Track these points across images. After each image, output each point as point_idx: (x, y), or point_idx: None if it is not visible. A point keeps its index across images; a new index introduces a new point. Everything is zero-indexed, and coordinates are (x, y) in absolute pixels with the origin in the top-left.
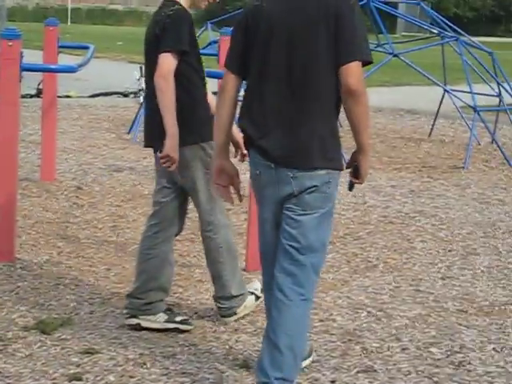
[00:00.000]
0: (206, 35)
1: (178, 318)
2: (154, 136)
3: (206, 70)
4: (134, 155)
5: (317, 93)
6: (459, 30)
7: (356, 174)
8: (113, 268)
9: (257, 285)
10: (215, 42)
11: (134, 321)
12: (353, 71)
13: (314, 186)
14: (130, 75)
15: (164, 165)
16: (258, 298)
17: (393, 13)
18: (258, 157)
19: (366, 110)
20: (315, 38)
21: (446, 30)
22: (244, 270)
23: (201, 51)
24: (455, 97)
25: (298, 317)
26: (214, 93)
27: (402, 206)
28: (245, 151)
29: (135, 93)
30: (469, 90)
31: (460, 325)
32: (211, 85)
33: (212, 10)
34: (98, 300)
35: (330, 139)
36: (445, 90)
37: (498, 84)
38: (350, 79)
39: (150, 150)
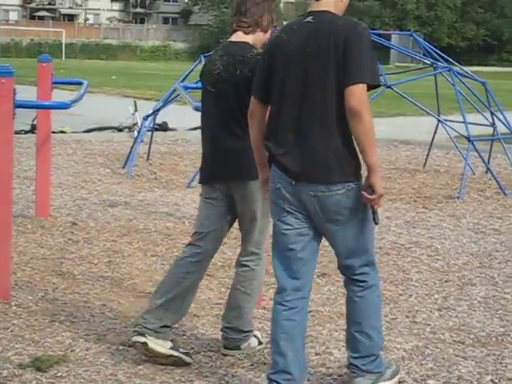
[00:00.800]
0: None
1: (182, 350)
2: (242, 169)
3: (199, 103)
4: (129, 190)
5: (330, 113)
6: (452, 60)
7: (371, 194)
8: (108, 304)
9: (257, 333)
10: None
11: (142, 339)
12: (355, 93)
13: (335, 202)
14: (125, 109)
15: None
16: (260, 343)
17: (386, 44)
18: (279, 172)
19: (368, 128)
20: (326, 64)
21: (438, 61)
22: None
23: (194, 85)
24: (449, 127)
25: (361, 305)
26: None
27: (398, 236)
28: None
29: (129, 127)
30: (462, 119)
31: (457, 356)
32: (198, 119)
33: (206, 43)
34: (94, 336)
35: (346, 155)
36: (438, 121)
37: (492, 113)
38: (351, 100)
39: (146, 185)
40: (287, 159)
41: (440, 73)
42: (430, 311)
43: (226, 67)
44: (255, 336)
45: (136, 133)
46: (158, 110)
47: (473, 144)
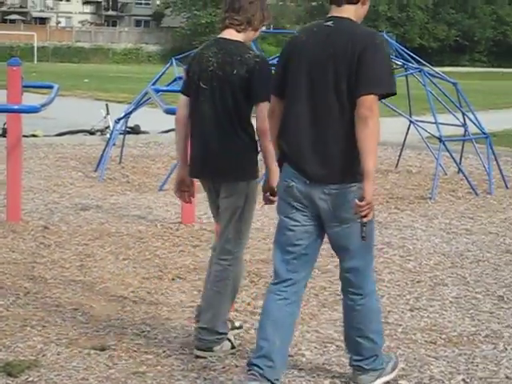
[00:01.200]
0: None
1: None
2: (238, 170)
3: (169, 106)
4: (101, 193)
5: (343, 115)
6: (423, 60)
7: (360, 199)
8: (80, 308)
9: (230, 336)
10: (180, 78)
11: (203, 354)
12: (365, 103)
13: (348, 202)
14: (97, 113)
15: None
16: (233, 347)
17: None
18: (293, 170)
19: (371, 136)
20: (341, 70)
21: (409, 62)
22: None
23: (166, 88)
24: (420, 127)
25: (362, 312)
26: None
27: None
28: (273, 198)
29: (101, 130)
30: (434, 120)
31: (429, 356)
32: (173, 121)
33: (179, 45)
34: (65, 341)
35: (357, 156)
36: (410, 121)
37: (463, 114)
38: (361, 108)
39: (118, 188)
40: (303, 159)
41: (411, 74)
42: (402, 312)
43: (222, 65)
44: (229, 339)
45: (108, 136)
46: (130, 112)
47: (444, 144)
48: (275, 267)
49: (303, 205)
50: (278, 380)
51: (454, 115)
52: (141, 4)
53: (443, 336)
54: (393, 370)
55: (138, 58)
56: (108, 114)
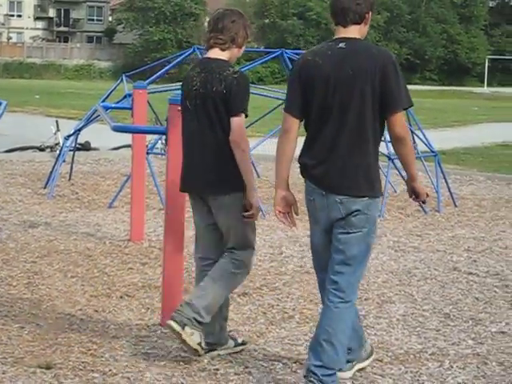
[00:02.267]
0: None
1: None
2: (220, 183)
3: (117, 124)
4: (50, 210)
5: (363, 133)
6: None
7: (416, 196)
8: (26, 326)
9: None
10: (130, 95)
11: (215, 353)
12: (397, 121)
13: (358, 210)
14: (47, 129)
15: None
16: (240, 344)
17: None
18: (312, 186)
19: (410, 148)
20: (362, 89)
21: None
22: (160, 324)
23: (115, 105)
24: None
25: (337, 316)
26: (127, 145)
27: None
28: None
29: (51, 147)
30: (383, 138)
31: (375, 374)
32: (124, 138)
33: (131, 62)
34: (11, 359)
35: (373, 171)
36: None
37: (412, 132)
38: (396, 128)
39: (67, 205)
40: (319, 171)
41: None
42: None
43: (204, 84)
44: (200, 336)
45: (58, 152)
46: (80, 129)
47: (393, 162)
48: (317, 274)
49: (323, 216)
50: (361, 352)
51: None
52: (93, 20)
53: (390, 354)
54: (368, 357)
55: (89, 74)
56: (58, 130)
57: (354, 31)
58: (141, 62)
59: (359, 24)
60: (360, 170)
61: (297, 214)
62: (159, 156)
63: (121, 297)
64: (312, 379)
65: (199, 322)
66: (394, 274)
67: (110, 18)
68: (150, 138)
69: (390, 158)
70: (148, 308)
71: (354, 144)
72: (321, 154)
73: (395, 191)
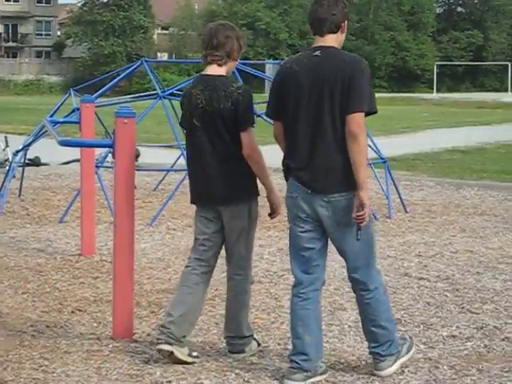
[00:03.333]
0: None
1: (194, 353)
2: (239, 193)
3: (64, 138)
4: (0, 227)
5: (338, 133)
6: None
7: (359, 210)
8: None
9: (255, 335)
10: (78, 109)
11: (169, 348)
12: (354, 119)
13: (345, 207)
14: None
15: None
16: (259, 344)
17: (257, 74)
18: (296, 184)
19: (362, 149)
20: (334, 93)
21: None
22: (111, 338)
23: (63, 119)
24: None
25: (372, 305)
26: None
27: (271, 264)
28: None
29: (1, 163)
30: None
31: (327, 381)
32: (74, 153)
33: (80, 76)
34: None
35: (351, 169)
36: None
37: None
38: (351, 126)
39: (17, 221)
40: (304, 173)
41: None
42: None
43: (210, 101)
44: (254, 339)
45: (6, 169)
46: (29, 144)
47: None
48: (293, 271)
49: (306, 214)
50: (317, 367)
51: None
52: (41, 35)
53: (342, 361)
54: (408, 350)
55: (39, 89)
56: (7, 146)
57: (331, 40)
58: (91, 76)
59: (335, 33)
60: (340, 169)
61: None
62: (110, 169)
63: (72, 312)
64: (377, 357)
65: (250, 336)
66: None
67: (59, 33)
68: (99, 151)
69: None
70: (100, 322)
71: (331, 144)
72: (302, 156)
73: None
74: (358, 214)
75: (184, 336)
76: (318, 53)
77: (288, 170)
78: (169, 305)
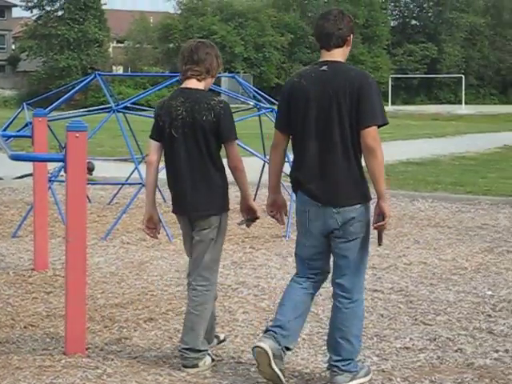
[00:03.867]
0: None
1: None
2: (212, 205)
3: (15, 153)
4: None
5: (346, 147)
6: (275, 100)
7: (380, 220)
8: None
9: (209, 352)
10: (31, 123)
11: (195, 370)
12: (370, 134)
13: (353, 218)
14: None
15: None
16: (213, 360)
17: (212, 88)
18: (306, 197)
19: (380, 162)
20: (342, 108)
21: (261, 102)
22: (64, 353)
23: (16, 133)
24: None
25: (348, 315)
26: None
27: (225, 278)
28: (248, 217)
29: None
30: (287, 159)
31: None
32: (28, 167)
33: (35, 89)
34: None
35: (360, 179)
36: (264, 161)
37: None
38: (367, 140)
39: None
40: (314, 186)
41: (263, 113)
42: None
43: (191, 113)
44: (209, 354)
45: None
46: None
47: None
48: (298, 268)
49: (315, 227)
50: (287, 349)
51: None
52: None
53: (296, 373)
54: (366, 375)
55: None
56: None
57: (338, 54)
58: (45, 90)
59: (342, 47)
60: (349, 181)
61: (286, 214)
62: (64, 183)
63: (25, 327)
64: (335, 370)
65: (204, 350)
66: None
67: (13, 46)
68: (53, 165)
69: None
70: (53, 337)
71: (339, 158)
72: (312, 169)
73: None
74: (379, 223)
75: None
76: (325, 67)
77: (297, 183)
78: (183, 334)
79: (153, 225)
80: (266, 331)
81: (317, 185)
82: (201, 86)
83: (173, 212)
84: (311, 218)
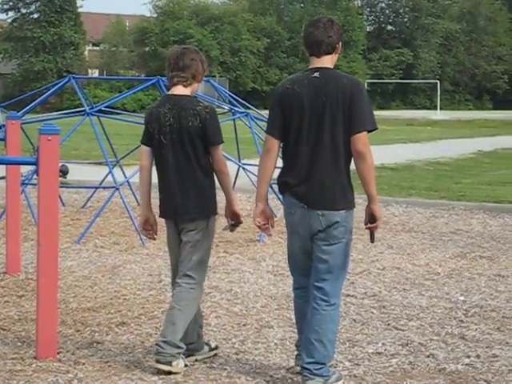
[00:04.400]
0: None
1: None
2: (200, 208)
3: None
4: None
5: (337, 153)
6: (250, 104)
7: (372, 221)
8: None
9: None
10: (4, 125)
11: (193, 358)
12: (360, 139)
13: (337, 222)
14: None
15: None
16: (186, 365)
17: None
18: (293, 200)
19: (370, 166)
20: (335, 114)
21: (236, 106)
22: (35, 357)
23: None
24: (249, 171)
25: (325, 317)
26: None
27: None
28: (232, 222)
29: None
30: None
31: None
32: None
33: (10, 92)
34: None
35: (347, 186)
36: (239, 166)
37: None
38: (358, 146)
39: None
40: (300, 188)
41: (238, 117)
42: (228, 356)
43: (178, 119)
44: (183, 359)
45: None
46: None
47: (271, 187)
48: (292, 275)
49: (301, 228)
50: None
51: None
52: None
53: (267, 378)
54: (337, 380)
55: None
56: None
57: (327, 61)
58: (21, 93)
59: (331, 54)
60: (337, 186)
61: (272, 226)
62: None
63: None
64: (306, 374)
65: (181, 348)
66: (273, 298)
67: None
68: (27, 168)
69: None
70: (24, 341)
71: (329, 163)
72: (301, 173)
73: (275, 216)
74: (371, 225)
75: (191, 343)
76: (317, 74)
77: (286, 186)
78: (163, 328)
79: (149, 226)
80: (299, 354)
81: (304, 187)
82: (187, 91)
83: (160, 216)
84: (297, 220)
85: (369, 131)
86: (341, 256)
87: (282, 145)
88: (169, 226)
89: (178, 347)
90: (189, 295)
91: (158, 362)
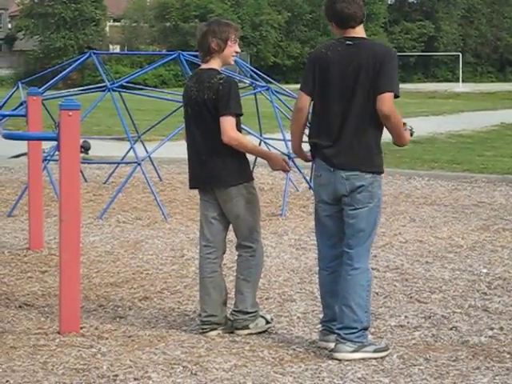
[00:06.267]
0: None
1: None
2: (228, 177)
3: (8, 132)
4: None
5: (367, 116)
6: (272, 79)
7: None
8: None
9: (267, 315)
10: (25, 101)
11: (246, 331)
12: (385, 98)
13: (362, 186)
14: None
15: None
16: (268, 322)
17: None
18: (321, 162)
19: (398, 123)
20: (365, 79)
21: (257, 80)
22: (58, 332)
23: (10, 112)
24: (270, 145)
25: (350, 282)
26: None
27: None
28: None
29: None
30: (282, 137)
31: (276, 373)
32: (23, 146)
33: (32, 69)
34: None
35: (375, 150)
36: (260, 139)
37: None
38: (383, 107)
39: None
40: (330, 150)
41: (259, 92)
42: None
43: (198, 92)
44: (262, 317)
45: None
46: None
47: (293, 161)
48: (318, 246)
49: (327, 192)
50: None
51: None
52: None
53: (290, 352)
54: (375, 351)
55: None
56: None
57: (360, 31)
58: (42, 69)
59: (359, 24)
60: (365, 149)
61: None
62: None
63: (20, 306)
64: (338, 339)
65: (254, 312)
66: (296, 272)
67: (10, 25)
68: (50, 144)
69: (289, 157)
70: (47, 316)
71: (358, 126)
72: (331, 135)
73: (297, 190)
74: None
75: (225, 316)
76: (350, 42)
77: (316, 148)
78: (200, 300)
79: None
80: (324, 330)
81: (332, 149)
82: (211, 65)
83: (191, 188)
84: (322, 183)
85: (394, 97)
86: (364, 221)
87: (311, 108)
88: (202, 196)
89: (249, 312)
90: (249, 264)
91: (235, 328)
